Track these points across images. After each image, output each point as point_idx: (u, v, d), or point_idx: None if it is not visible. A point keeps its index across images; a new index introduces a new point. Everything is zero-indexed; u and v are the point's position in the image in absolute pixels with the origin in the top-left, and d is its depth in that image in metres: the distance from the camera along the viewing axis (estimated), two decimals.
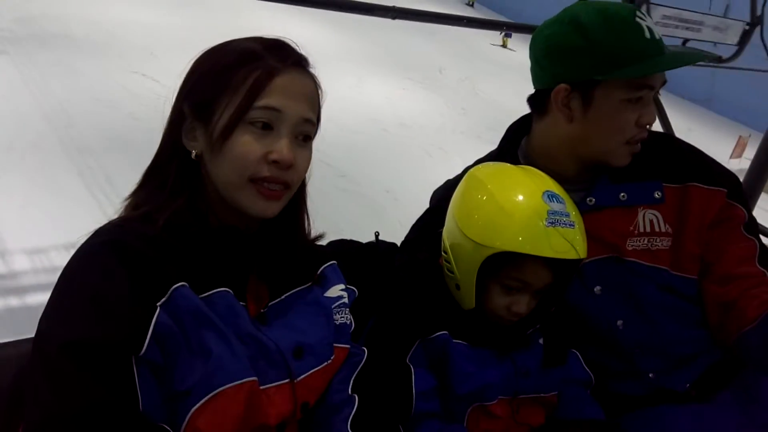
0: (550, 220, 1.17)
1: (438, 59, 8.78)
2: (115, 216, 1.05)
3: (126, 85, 5.48)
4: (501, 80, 8.52)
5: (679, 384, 1.38)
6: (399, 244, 1.53)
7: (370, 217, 4.20)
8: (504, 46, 10.26)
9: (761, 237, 1.44)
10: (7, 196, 3.62)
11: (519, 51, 9.91)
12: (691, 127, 8.01)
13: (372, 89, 6.77)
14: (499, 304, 1.26)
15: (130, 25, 6.94)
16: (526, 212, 1.19)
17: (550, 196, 1.21)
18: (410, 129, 6.19)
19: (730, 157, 6.96)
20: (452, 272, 1.29)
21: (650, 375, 1.39)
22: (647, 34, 1.28)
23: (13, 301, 2.96)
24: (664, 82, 1.34)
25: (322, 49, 5.70)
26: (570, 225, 1.19)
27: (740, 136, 7.13)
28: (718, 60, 1.37)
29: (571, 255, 1.18)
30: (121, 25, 6.86)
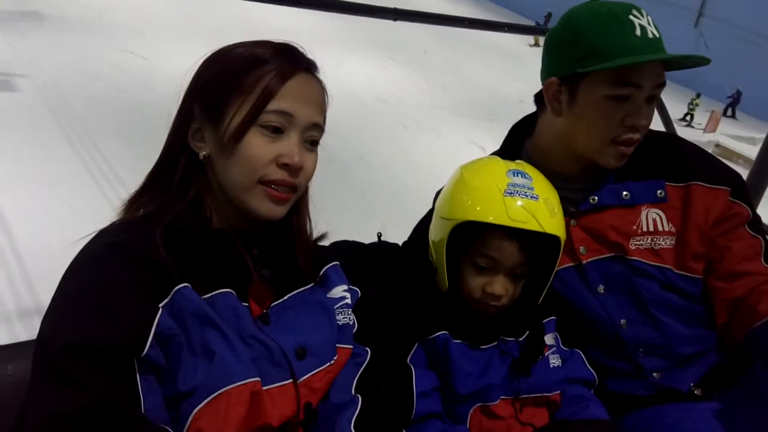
0: (509, 191, 1.18)
1: (424, 42, 8.97)
2: (116, 214, 1.06)
3: (114, 61, 5.74)
4: (485, 62, 8.69)
5: (682, 384, 1.38)
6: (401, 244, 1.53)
7: (340, 179, 4.43)
8: (537, 44, 10.12)
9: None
10: None
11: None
12: (669, 103, 8.21)
13: (354, 68, 6.97)
14: (474, 285, 1.25)
15: (120, 8, 7.19)
16: (485, 184, 1.21)
17: (515, 173, 1.22)
18: (388, 104, 6.39)
19: (704, 131, 7.18)
20: (432, 257, 1.32)
21: (654, 374, 1.39)
22: (638, 32, 1.26)
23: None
24: (662, 84, 1.31)
25: (307, 31, 5.95)
26: (532, 197, 1.19)
27: (713, 111, 7.33)
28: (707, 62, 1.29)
29: (531, 226, 1.17)
30: (111, 8, 7.11)
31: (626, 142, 1.32)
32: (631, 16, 1.27)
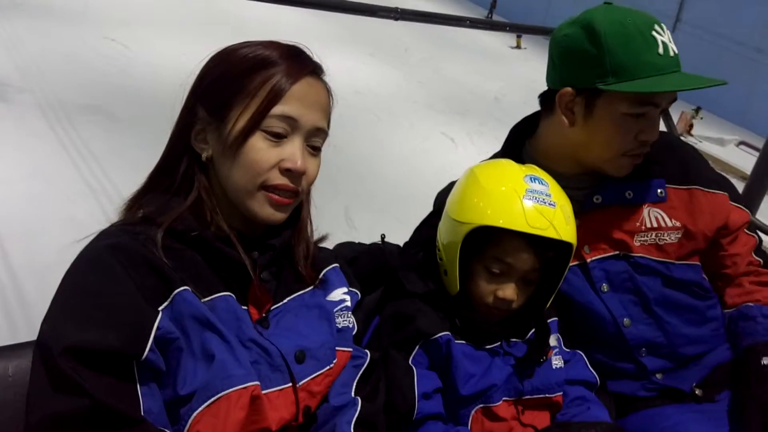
0: (528, 197, 1.18)
1: (406, 40, 9.12)
2: (116, 216, 1.06)
3: (97, 48, 5.91)
4: (465, 61, 8.81)
5: (685, 384, 1.41)
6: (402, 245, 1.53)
7: None
8: (518, 46, 10.19)
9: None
10: None
11: (530, 49, 9.94)
12: None
13: (334, 62, 7.11)
14: (485, 289, 1.26)
15: None
16: (503, 189, 1.21)
17: (532, 179, 1.22)
18: (364, 96, 6.53)
19: (673, 132, 7.35)
20: (441, 259, 1.31)
21: (657, 375, 1.41)
22: (660, 50, 1.26)
23: None
24: (674, 100, 1.32)
25: (289, 25, 6.09)
26: (550, 204, 1.19)
27: (683, 112, 7.49)
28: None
29: (549, 233, 1.17)
30: None
31: (638, 155, 1.34)
32: (654, 33, 1.26)
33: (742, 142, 7.39)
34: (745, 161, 7.04)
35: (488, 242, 1.22)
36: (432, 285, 1.32)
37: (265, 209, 1.02)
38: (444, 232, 1.30)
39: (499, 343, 1.28)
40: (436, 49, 9.21)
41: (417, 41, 9.30)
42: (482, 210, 1.21)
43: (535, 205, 1.17)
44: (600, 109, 1.30)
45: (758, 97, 9.03)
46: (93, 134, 4.19)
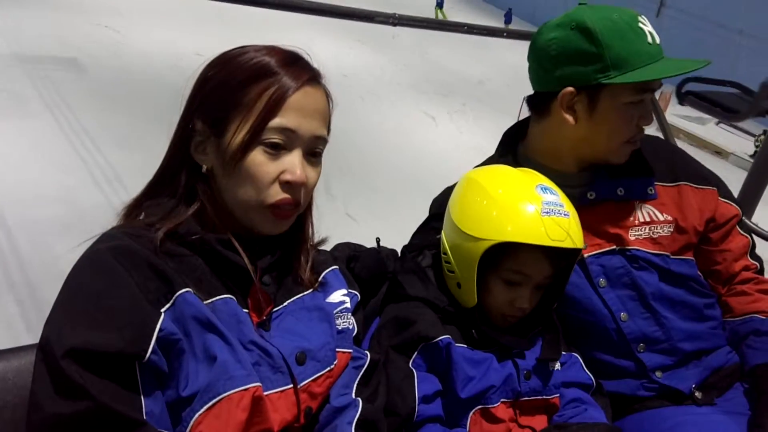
0: (545, 210, 1.20)
1: (394, 28, 9.32)
2: (117, 220, 1.06)
3: (91, 34, 6.13)
4: (452, 47, 8.90)
5: (684, 384, 1.42)
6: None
7: None
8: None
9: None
10: None
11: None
12: None
13: (322, 47, 7.31)
14: (501, 299, 1.27)
15: None
16: (521, 203, 1.21)
17: (543, 189, 1.24)
18: (350, 78, 6.62)
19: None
20: (452, 272, 1.30)
21: (656, 373, 1.42)
22: (650, 39, 1.32)
23: None
24: (661, 84, 1.39)
25: (276, 12, 6.36)
26: (565, 215, 1.21)
27: (661, 92, 7.72)
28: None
29: (567, 244, 1.20)
30: None
31: (637, 140, 1.40)
32: (640, 24, 1.33)
33: (721, 121, 7.58)
34: (723, 139, 7.25)
35: (505, 255, 1.24)
36: (434, 289, 1.34)
37: (266, 225, 1.03)
38: (456, 247, 1.30)
39: (497, 345, 1.30)
40: (425, 37, 9.32)
41: (405, 28, 9.43)
42: (501, 225, 1.21)
43: (552, 218, 1.20)
44: (604, 103, 1.34)
45: (739, 78, 9.21)
46: (84, 110, 4.43)
